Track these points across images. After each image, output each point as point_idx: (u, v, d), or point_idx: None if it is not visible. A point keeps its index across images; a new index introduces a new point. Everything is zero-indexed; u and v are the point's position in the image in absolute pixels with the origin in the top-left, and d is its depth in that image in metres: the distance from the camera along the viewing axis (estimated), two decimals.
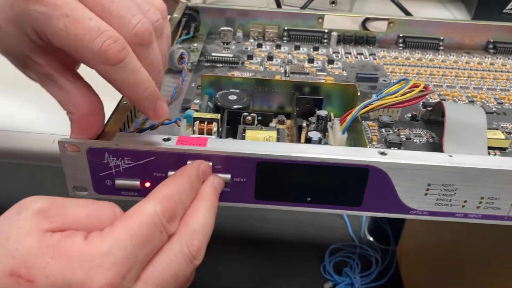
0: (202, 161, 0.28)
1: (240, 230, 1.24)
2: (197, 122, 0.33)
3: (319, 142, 0.32)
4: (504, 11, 0.57)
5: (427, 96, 0.38)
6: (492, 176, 0.28)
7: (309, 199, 0.30)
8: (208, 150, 0.28)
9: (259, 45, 0.51)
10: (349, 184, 0.29)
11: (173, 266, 0.23)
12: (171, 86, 0.41)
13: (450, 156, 0.29)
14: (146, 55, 0.25)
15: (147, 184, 0.29)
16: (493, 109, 0.41)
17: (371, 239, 1.24)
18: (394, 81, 0.45)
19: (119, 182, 0.29)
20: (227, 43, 0.51)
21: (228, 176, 0.29)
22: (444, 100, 0.43)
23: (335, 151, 0.29)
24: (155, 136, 0.29)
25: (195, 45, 0.51)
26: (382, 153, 0.29)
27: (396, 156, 0.28)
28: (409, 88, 0.36)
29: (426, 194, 0.29)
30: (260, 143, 0.29)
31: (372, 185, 0.29)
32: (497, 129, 0.37)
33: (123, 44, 0.23)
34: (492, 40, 0.53)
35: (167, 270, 0.23)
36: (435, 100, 0.42)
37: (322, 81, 0.44)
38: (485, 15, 0.58)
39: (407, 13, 0.60)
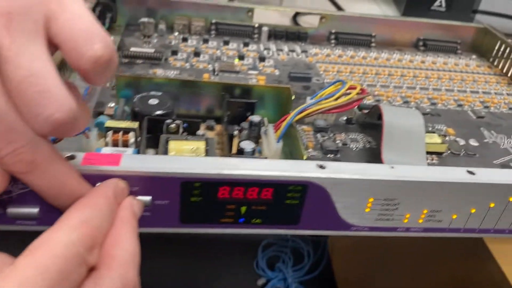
0: (119, 180, 0.23)
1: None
2: (110, 132, 0.29)
3: (253, 153, 0.29)
4: (432, 8, 0.57)
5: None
6: (435, 188, 0.27)
7: (242, 220, 0.27)
8: (123, 170, 0.24)
9: (185, 39, 0.47)
10: (287, 201, 0.26)
11: None
12: (82, 86, 0.36)
13: (392, 167, 0.27)
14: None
15: (48, 211, 0.25)
16: (427, 110, 0.40)
17: None
18: (328, 81, 0.43)
19: (12, 210, 0.24)
20: (148, 36, 0.46)
21: (149, 198, 0.25)
22: (379, 101, 0.41)
23: (271, 166, 0.25)
24: None
25: (111, 38, 0.46)
26: (321, 167, 0.26)
27: (336, 170, 0.26)
28: (346, 91, 0.34)
29: (367, 209, 0.27)
30: (185, 159, 0.25)
31: (310, 201, 0.26)
32: (434, 132, 0.36)
33: None
34: (422, 38, 0.53)
35: None
36: (370, 101, 0.40)
37: (254, 80, 0.41)
38: (414, 11, 0.58)
39: (339, 8, 0.58)
